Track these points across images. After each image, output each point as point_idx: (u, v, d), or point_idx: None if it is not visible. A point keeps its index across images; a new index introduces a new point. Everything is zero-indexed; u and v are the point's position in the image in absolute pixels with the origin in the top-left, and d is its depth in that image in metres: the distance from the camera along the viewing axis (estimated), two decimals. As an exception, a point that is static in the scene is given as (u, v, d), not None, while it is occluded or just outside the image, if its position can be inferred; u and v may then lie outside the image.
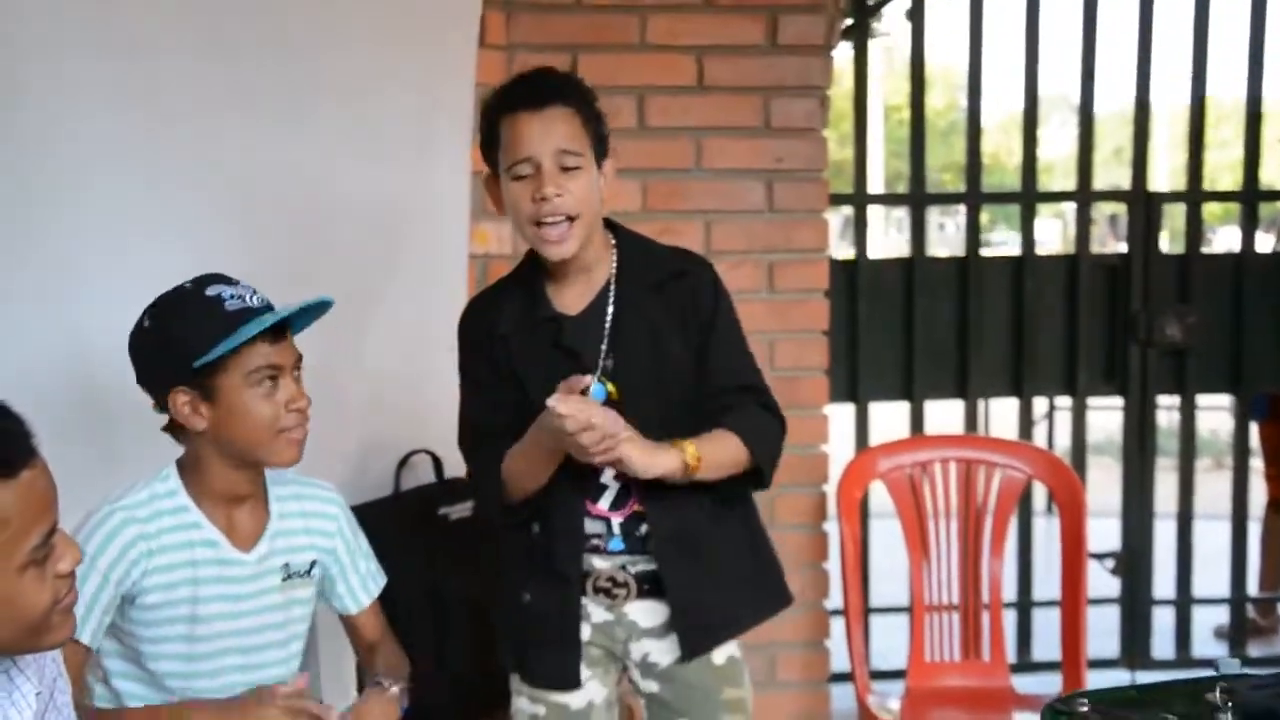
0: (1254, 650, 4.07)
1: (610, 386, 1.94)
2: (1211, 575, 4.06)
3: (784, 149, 3.18)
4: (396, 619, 2.10)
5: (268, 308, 1.80)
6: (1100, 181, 4.57)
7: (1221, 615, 4.13)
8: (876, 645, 3.73)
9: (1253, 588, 4.25)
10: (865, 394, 3.72)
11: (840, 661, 3.21)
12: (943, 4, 5.37)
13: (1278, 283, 3.90)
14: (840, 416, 3.49)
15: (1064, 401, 5.01)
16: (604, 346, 1.95)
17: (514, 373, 1.96)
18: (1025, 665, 3.77)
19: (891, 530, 3.20)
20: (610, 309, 1.96)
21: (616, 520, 1.98)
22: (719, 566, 2.01)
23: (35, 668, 1.44)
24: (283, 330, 1.81)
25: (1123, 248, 4.01)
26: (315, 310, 1.84)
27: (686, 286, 1.99)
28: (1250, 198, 3.98)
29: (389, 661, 2.03)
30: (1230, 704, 1.41)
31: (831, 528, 3.21)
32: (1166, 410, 4.98)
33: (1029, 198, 3.91)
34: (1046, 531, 4.27)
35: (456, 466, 2.34)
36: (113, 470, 1.93)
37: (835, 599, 3.23)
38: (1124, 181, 3.99)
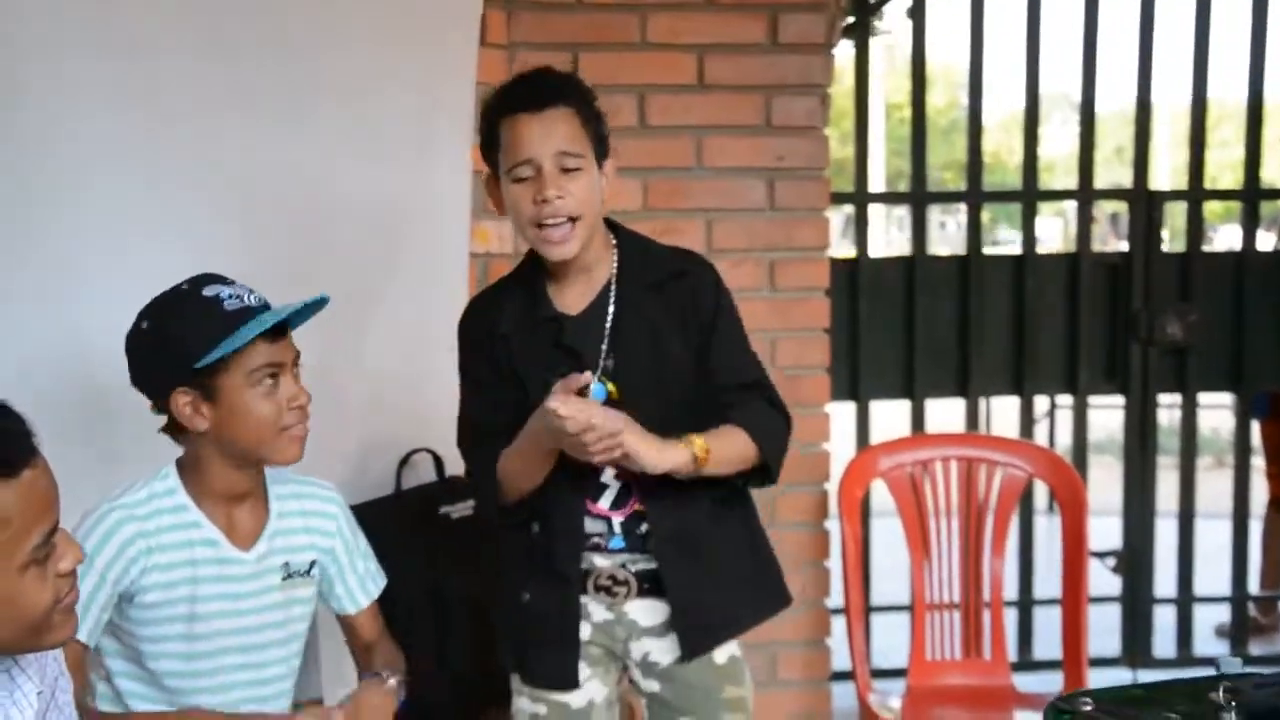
0: (1255, 648, 4.08)
1: (610, 386, 1.94)
2: (1213, 573, 4.06)
3: (785, 147, 3.18)
4: (397, 618, 2.10)
5: (265, 307, 1.80)
6: (1101, 180, 4.57)
7: (1223, 613, 4.13)
8: (878, 644, 3.73)
9: (1254, 586, 4.26)
10: (866, 392, 3.72)
11: (841, 660, 3.21)
12: (944, 2, 5.38)
13: (1279, 281, 3.89)
14: (841, 415, 3.49)
15: (1065, 400, 5.01)
16: (604, 346, 1.94)
17: (514, 372, 1.96)
18: (1026, 664, 3.77)
19: (892, 529, 3.20)
20: (611, 309, 1.96)
21: (617, 519, 1.98)
22: (719, 566, 2.01)
23: (37, 667, 1.44)
24: (282, 329, 1.81)
25: (1124, 246, 4.01)
26: (313, 307, 1.84)
27: (687, 286, 1.98)
28: (1251, 196, 3.98)
29: (386, 659, 2.02)
30: (1234, 703, 1.41)
31: (833, 526, 3.21)
32: (1167, 408, 4.98)
33: (1030, 196, 3.91)
34: (1047, 530, 4.27)
35: (457, 465, 2.33)
36: (112, 470, 1.93)
37: (836, 597, 3.23)
38: (1125, 180, 3.99)
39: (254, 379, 1.78)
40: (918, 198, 3.84)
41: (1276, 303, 3.87)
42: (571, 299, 1.97)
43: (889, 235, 17.93)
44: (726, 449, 1.91)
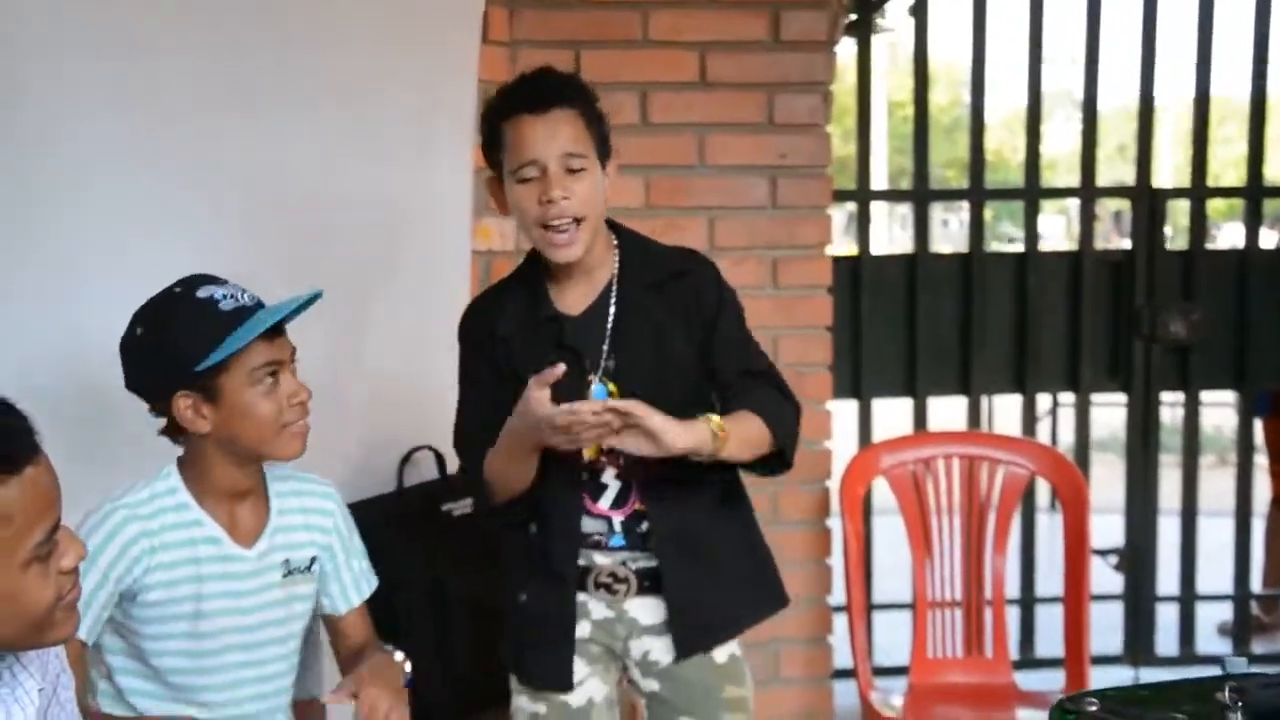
0: (1258, 647, 4.07)
1: (612, 387, 1.94)
2: (1215, 572, 4.06)
3: (787, 145, 3.18)
4: (397, 615, 2.10)
5: (259, 305, 1.80)
6: (1104, 178, 4.58)
7: (1225, 612, 4.12)
8: (879, 641, 3.73)
9: (1257, 584, 4.25)
10: (868, 390, 3.72)
11: (843, 658, 3.21)
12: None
13: (1282, 279, 3.89)
14: (843, 413, 3.49)
15: (1067, 398, 5.02)
16: (606, 347, 1.94)
17: (514, 373, 1.95)
18: (1028, 661, 3.77)
19: (894, 526, 3.20)
20: (612, 309, 1.96)
21: (618, 519, 1.98)
22: (718, 566, 2.01)
23: (38, 664, 1.44)
24: (278, 326, 1.81)
25: (1127, 244, 4.00)
26: (307, 303, 1.84)
27: (689, 285, 1.98)
28: (1254, 194, 3.97)
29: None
30: (1240, 703, 1.41)
31: (834, 524, 3.21)
32: (1170, 406, 4.98)
33: (1033, 194, 3.90)
34: (1049, 528, 4.28)
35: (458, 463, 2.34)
36: (112, 469, 1.93)
37: (838, 595, 3.23)
38: (1128, 177, 3.99)
39: (255, 378, 1.78)
40: (920, 195, 3.84)
41: (1279, 300, 3.86)
42: (573, 299, 1.97)
43: (891, 233, 17.94)
44: (742, 430, 1.90)
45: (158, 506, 1.82)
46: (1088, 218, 3.99)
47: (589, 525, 1.99)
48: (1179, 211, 4.18)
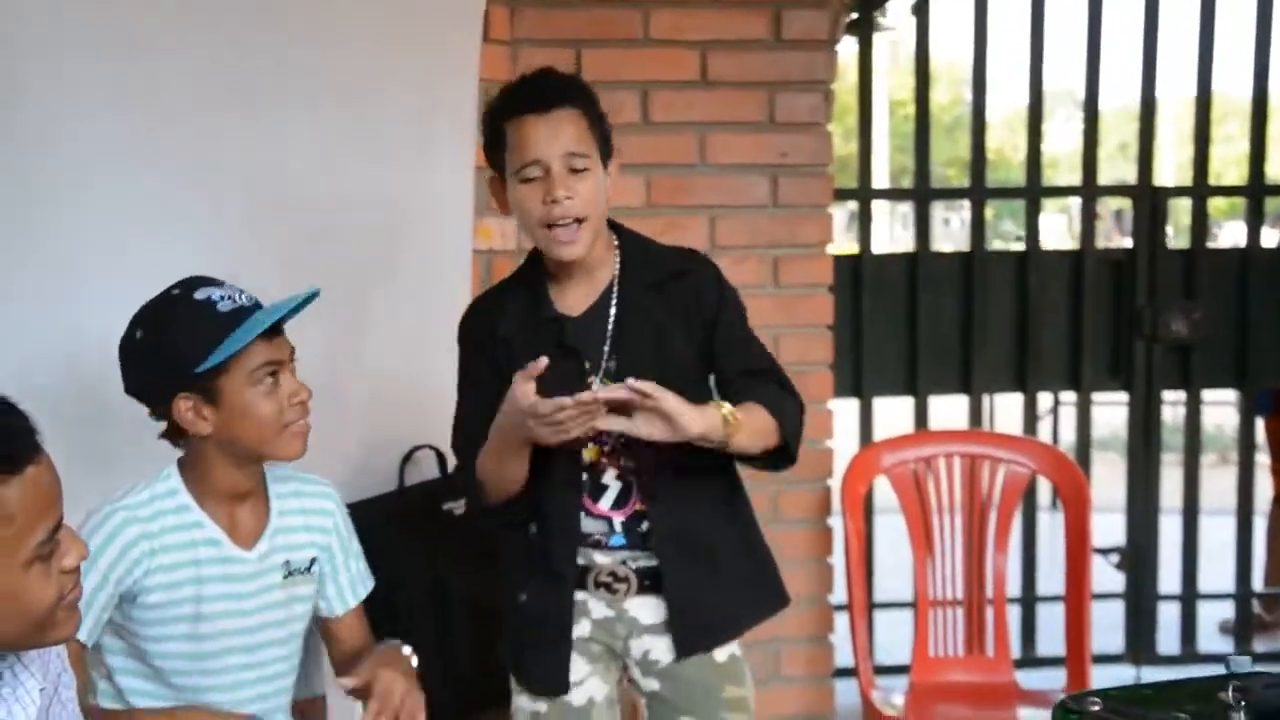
0: (1259, 646, 4.07)
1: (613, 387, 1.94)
2: (1216, 570, 4.06)
3: (788, 144, 3.18)
4: (398, 614, 2.09)
5: (257, 306, 1.80)
6: (1105, 176, 4.58)
7: (1227, 610, 4.12)
8: (881, 640, 3.73)
9: (1258, 583, 4.25)
10: (869, 389, 3.72)
11: (844, 656, 3.21)
12: (947, -2, 5.37)
13: (1283, 277, 3.89)
14: (844, 412, 3.49)
15: (1069, 397, 5.02)
16: (607, 347, 1.94)
17: (514, 374, 1.95)
18: (1030, 660, 3.77)
19: (896, 525, 3.20)
20: (613, 310, 1.96)
21: (618, 519, 1.98)
22: (719, 566, 2.01)
23: (39, 664, 1.44)
24: (276, 326, 1.81)
25: (1128, 243, 4.01)
26: (304, 302, 1.84)
27: (689, 285, 1.98)
28: (1256, 192, 3.97)
29: None
30: (1243, 703, 1.40)
31: (836, 523, 3.21)
32: (1171, 405, 4.97)
33: (1034, 193, 3.90)
34: (1051, 527, 4.27)
35: (459, 463, 2.34)
36: (113, 469, 1.93)
37: (839, 594, 3.23)
38: (1129, 176, 3.99)
39: (255, 378, 1.78)
40: (921, 194, 3.83)
41: (1281, 299, 3.87)
42: (573, 300, 1.97)
43: (892, 232, 17.93)
44: (751, 420, 1.89)
45: (158, 508, 1.82)
46: (1089, 216, 3.99)
47: (589, 525, 1.98)
48: (1180, 210, 4.18)
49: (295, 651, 1.94)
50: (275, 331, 1.81)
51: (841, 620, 3.22)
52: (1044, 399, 5.58)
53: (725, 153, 3.16)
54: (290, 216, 2.42)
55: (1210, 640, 4.08)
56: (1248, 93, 3.93)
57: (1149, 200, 3.84)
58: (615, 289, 1.97)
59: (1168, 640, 3.96)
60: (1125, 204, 4.90)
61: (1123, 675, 3.76)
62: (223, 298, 1.77)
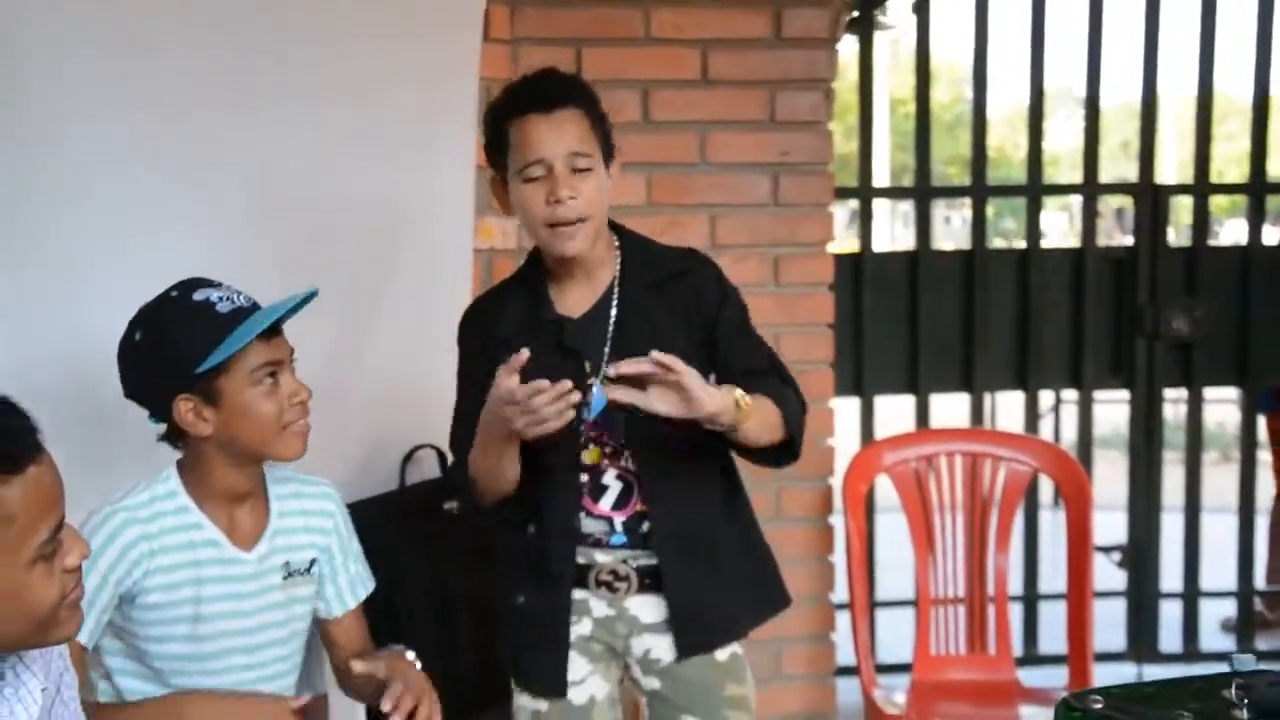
0: (1261, 643, 4.06)
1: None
2: (1218, 568, 4.06)
3: (789, 142, 3.18)
4: (399, 613, 2.09)
5: (255, 307, 1.80)
6: (1107, 174, 4.57)
7: (1228, 608, 4.12)
8: (882, 639, 3.73)
9: (1260, 581, 4.25)
10: (870, 387, 3.72)
11: (846, 655, 3.21)
12: (948, -4, 5.37)
13: (1285, 275, 3.89)
14: (845, 410, 3.48)
15: (1070, 395, 5.01)
16: (607, 349, 1.94)
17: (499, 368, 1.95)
18: (1031, 659, 3.77)
19: (897, 524, 3.20)
20: (614, 310, 1.95)
21: (619, 520, 1.98)
22: (720, 567, 2.01)
23: (41, 664, 1.44)
24: (275, 326, 1.81)
25: (1129, 241, 4.00)
26: (303, 302, 1.84)
27: (690, 285, 1.98)
28: (1257, 190, 3.97)
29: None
30: (1246, 700, 1.40)
31: (837, 521, 3.21)
32: (1173, 403, 4.97)
33: (1035, 191, 3.90)
34: (1052, 525, 4.26)
35: (461, 462, 2.33)
36: (113, 469, 1.93)
37: (841, 593, 3.23)
38: (1130, 174, 4.00)
39: (255, 379, 1.78)
40: (922, 192, 3.84)
41: (1283, 296, 3.86)
42: (573, 301, 1.97)
43: (893, 230, 17.92)
44: (760, 408, 1.88)
45: (157, 510, 1.82)
46: (1090, 214, 3.99)
47: (590, 525, 1.98)
48: (1181, 208, 4.17)
49: (296, 651, 1.94)
50: (274, 332, 1.81)
51: (843, 619, 3.22)
52: (1045, 397, 5.58)
53: (726, 151, 3.15)
54: (291, 216, 2.42)
55: (1212, 638, 4.08)
56: (1249, 90, 3.93)
57: (1150, 198, 3.84)
58: (616, 289, 1.96)
59: (1169, 638, 3.96)
60: (1126, 202, 4.90)
61: (1124, 673, 3.76)
62: (221, 299, 1.77)
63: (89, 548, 1.41)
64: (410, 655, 1.90)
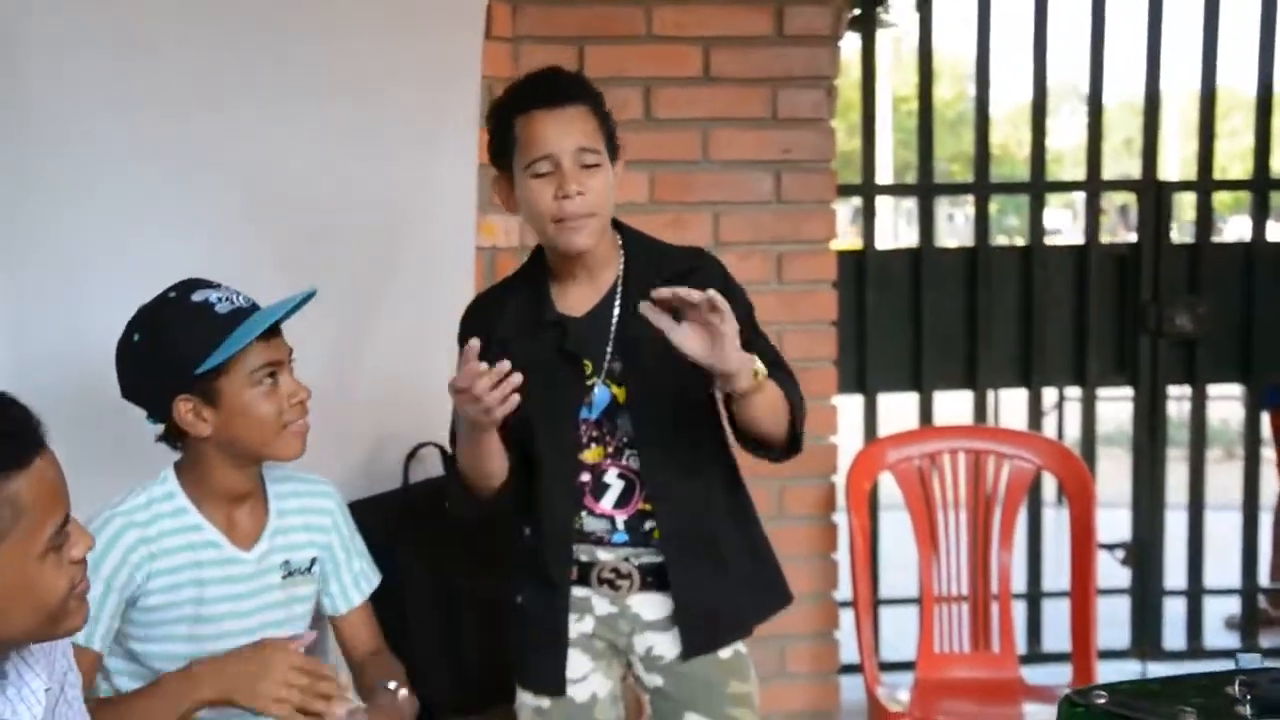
0: (1265, 641, 4.06)
1: (616, 389, 1.93)
2: (1222, 566, 4.05)
3: (792, 140, 3.17)
4: (404, 611, 2.09)
5: (254, 307, 1.80)
6: (1110, 171, 4.57)
7: (1232, 606, 4.11)
8: (886, 637, 3.73)
9: (1264, 578, 4.24)
10: (874, 385, 3.72)
11: (849, 653, 3.20)
12: (950, -7, 5.36)
13: (1288, 272, 3.88)
14: (849, 408, 3.48)
15: (1073, 392, 5.00)
16: (610, 348, 1.93)
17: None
18: (1035, 656, 3.76)
19: (900, 521, 3.20)
20: (617, 310, 1.95)
21: (621, 518, 1.98)
22: (722, 565, 2.00)
23: (45, 663, 1.44)
24: (275, 327, 1.81)
25: (1133, 237, 3.99)
26: (301, 302, 1.84)
27: (695, 284, 1.97)
28: (1261, 187, 3.96)
29: (387, 670, 1.98)
30: (1250, 697, 1.40)
31: (840, 519, 3.21)
32: (1177, 400, 4.97)
33: (1038, 188, 3.90)
34: (1056, 522, 4.26)
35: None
36: (113, 469, 1.92)
37: (844, 590, 3.23)
38: (1134, 171, 3.98)
39: (254, 379, 1.79)
40: (925, 190, 3.83)
41: (1286, 294, 3.86)
42: (576, 300, 1.96)
43: (896, 227, 17.92)
44: (772, 389, 1.88)
45: (155, 512, 1.82)
46: (1093, 211, 3.98)
47: (591, 524, 1.98)
48: (1185, 205, 4.18)
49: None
50: (273, 332, 1.81)
51: (846, 616, 3.22)
52: (1049, 394, 5.57)
53: (728, 149, 3.15)
54: (293, 214, 2.42)
55: (1216, 635, 4.08)
56: (1252, 87, 3.92)
57: (1154, 195, 3.84)
58: (619, 289, 1.96)
59: (1173, 635, 3.95)
60: (1130, 199, 4.89)
61: (1128, 670, 3.75)
62: (220, 299, 1.77)
63: (93, 540, 1.43)
64: (403, 693, 1.89)
